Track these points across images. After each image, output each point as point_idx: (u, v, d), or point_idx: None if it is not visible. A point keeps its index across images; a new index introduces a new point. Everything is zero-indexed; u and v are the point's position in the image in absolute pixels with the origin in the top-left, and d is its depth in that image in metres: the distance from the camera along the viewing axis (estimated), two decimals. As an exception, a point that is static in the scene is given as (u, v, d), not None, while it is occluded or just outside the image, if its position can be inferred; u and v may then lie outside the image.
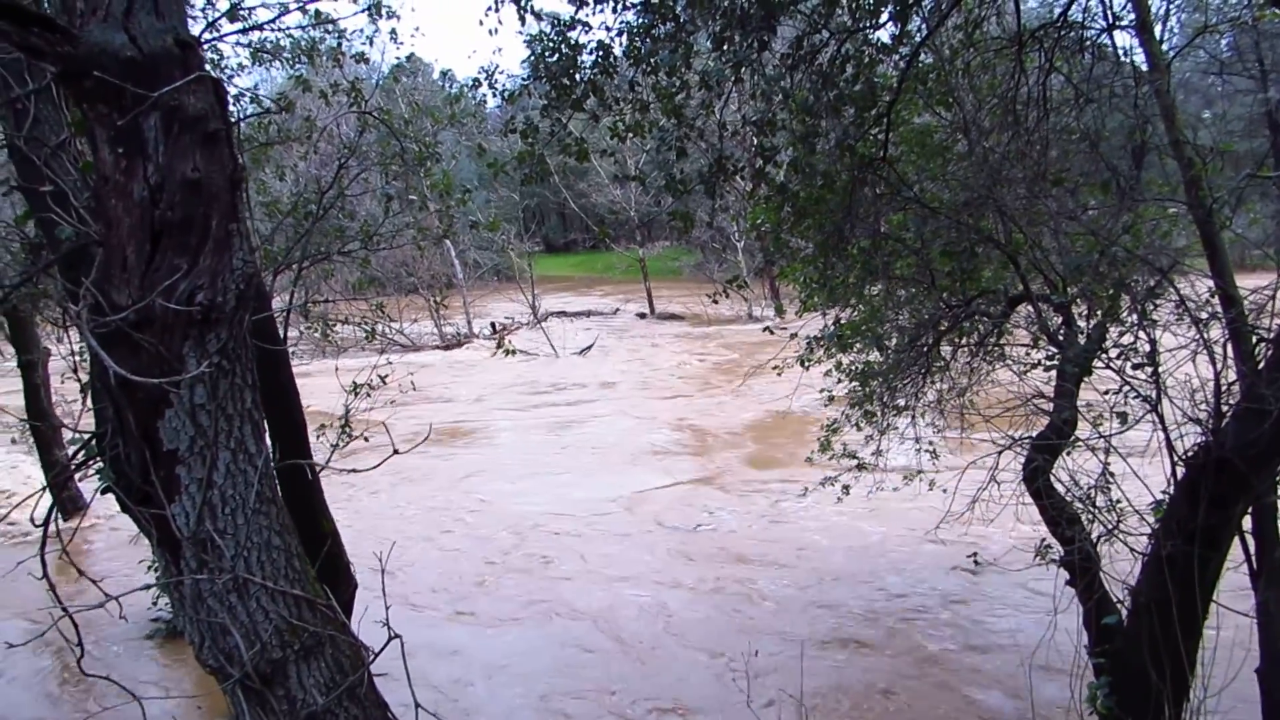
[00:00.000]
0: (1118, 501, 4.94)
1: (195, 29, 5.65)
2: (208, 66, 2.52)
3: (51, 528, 2.48)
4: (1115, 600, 4.94)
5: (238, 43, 6.67)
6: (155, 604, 8.15)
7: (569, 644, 7.96)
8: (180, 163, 2.26)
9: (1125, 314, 5.08)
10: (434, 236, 8.01)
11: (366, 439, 5.63)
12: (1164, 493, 4.47)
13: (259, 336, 4.51)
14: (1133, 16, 5.23)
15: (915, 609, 8.11)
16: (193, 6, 6.08)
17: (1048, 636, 4.76)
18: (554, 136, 5.84)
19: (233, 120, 2.55)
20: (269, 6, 6.31)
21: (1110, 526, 4.82)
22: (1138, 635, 4.47)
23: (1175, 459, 4.24)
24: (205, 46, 5.90)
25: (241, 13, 6.03)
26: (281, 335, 5.50)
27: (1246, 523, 4.32)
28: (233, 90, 6.80)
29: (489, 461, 15.24)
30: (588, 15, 5.43)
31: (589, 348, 28.23)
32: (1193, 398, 4.21)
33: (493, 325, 33.19)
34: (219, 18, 5.96)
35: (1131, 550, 4.67)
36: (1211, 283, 4.48)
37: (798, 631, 7.79)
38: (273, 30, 6.60)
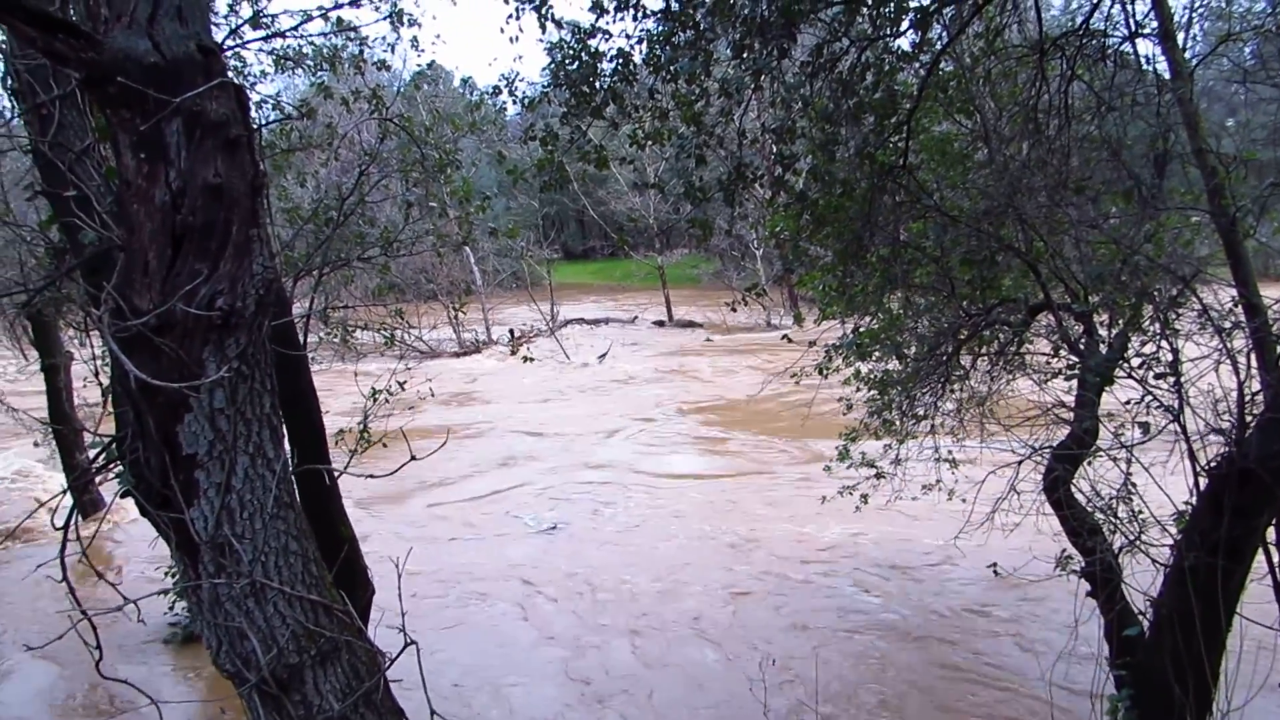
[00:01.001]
0: (1139, 512, 4.88)
1: (218, 36, 5.70)
2: (230, 73, 2.53)
3: (70, 531, 2.49)
4: (1137, 612, 4.88)
5: (260, 50, 6.71)
6: (172, 608, 8.19)
7: (496, 633, 8.21)
8: (202, 168, 2.27)
9: (1147, 323, 5.03)
10: (453, 243, 8.04)
11: (385, 445, 5.64)
12: (1186, 504, 4.41)
13: (279, 342, 4.53)
14: (1155, 24, 5.19)
15: (928, 618, 8.05)
16: (216, 14, 6.13)
17: (1068, 648, 4.70)
18: (573, 144, 5.85)
19: (254, 126, 2.56)
20: (292, 14, 6.37)
21: (1132, 538, 4.76)
22: (1160, 647, 4.41)
23: (1198, 470, 4.19)
24: (228, 53, 5.95)
25: (264, 20, 6.08)
26: (301, 341, 5.52)
27: (1270, 534, 4.25)
28: (255, 97, 6.87)
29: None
30: (608, 23, 5.44)
31: (604, 355, 28.24)
32: (1215, 408, 4.16)
33: (511, 332, 33.28)
34: (242, 25, 6.01)
35: (1154, 562, 4.61)
36: (1235, 292, 4.42)
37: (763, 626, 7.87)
38: (295, 37, 6.65)
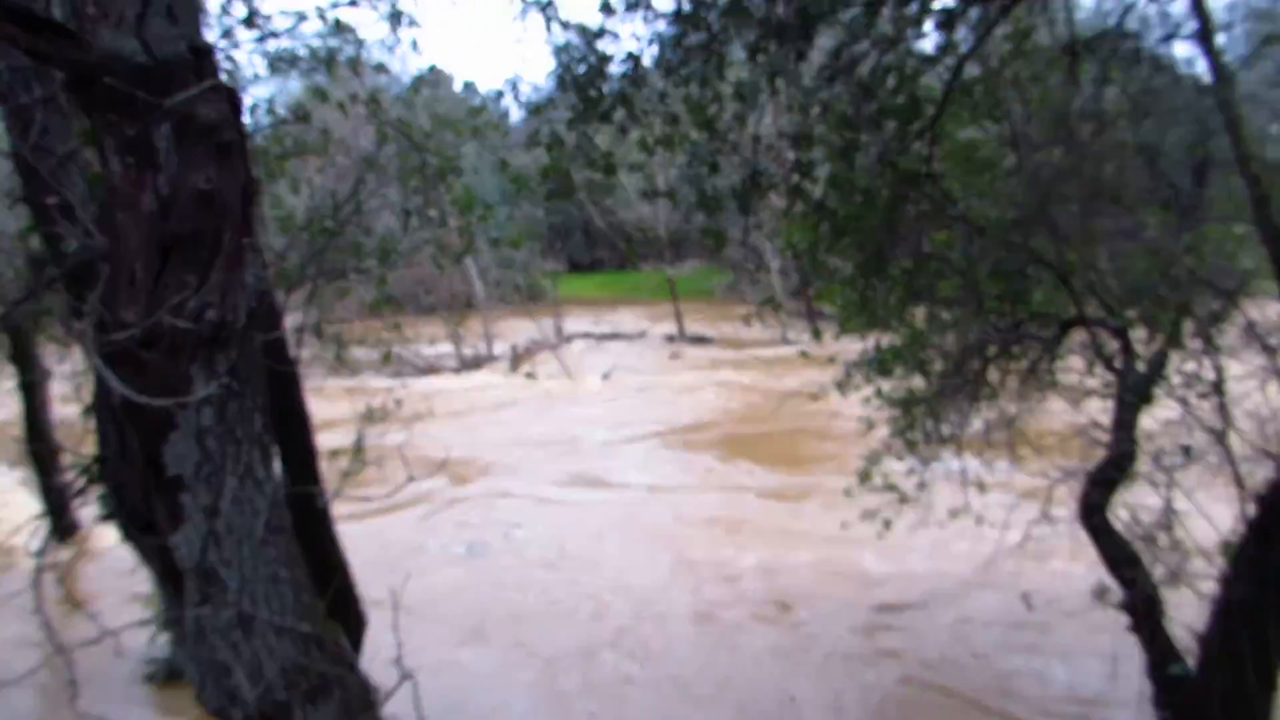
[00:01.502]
0: (1182, 541, 4.82)
1: (210, 36, 5.73)
2: (223, 75, 2.53)
3: (46, 558, 2.47)
4: (1182, 649, 4.82)
5: (254, 51, 6.74)
6: (154, 642, 8.11)
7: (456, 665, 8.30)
8: (192, 174, 2.27)
9: (1188, 339, 4.99)
10: (454, 254, 8.04)
11: (380, 467, 5.64)
12: (1233, 532, 4.36)
13: (270, 356, 4.52)
14: (1193, 25, 5.17)
15: (949, 652, 7.96)
16: (208, 13, 6.16)
17: (1108, 688, 4.64)
18: (580, 150, 5.85)
19: (247, 131, 2.56)
20: (287, 14, 6.39)
21: (1174, 568, 4.70)
22: (1208, 687, 4.35)
23: (1245, 495, 4.14)
24: (220, 54, 5.97)
25: (258, 20, 6.11)
26: (293, 356, 5.52)
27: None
28: (248, 100, 6.89)
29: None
30: (617, 24, 5.45)
31: (609, 373, 28.03)
32: (1263, 429, 4.12)
33: (513, 348, 33.28)
34: (235, 25, 6.03)
35: (1198, 594, 4.55)
36: (1282, 306, 4.39)
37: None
38: (290, 39, 6.68)
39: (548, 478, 15.19)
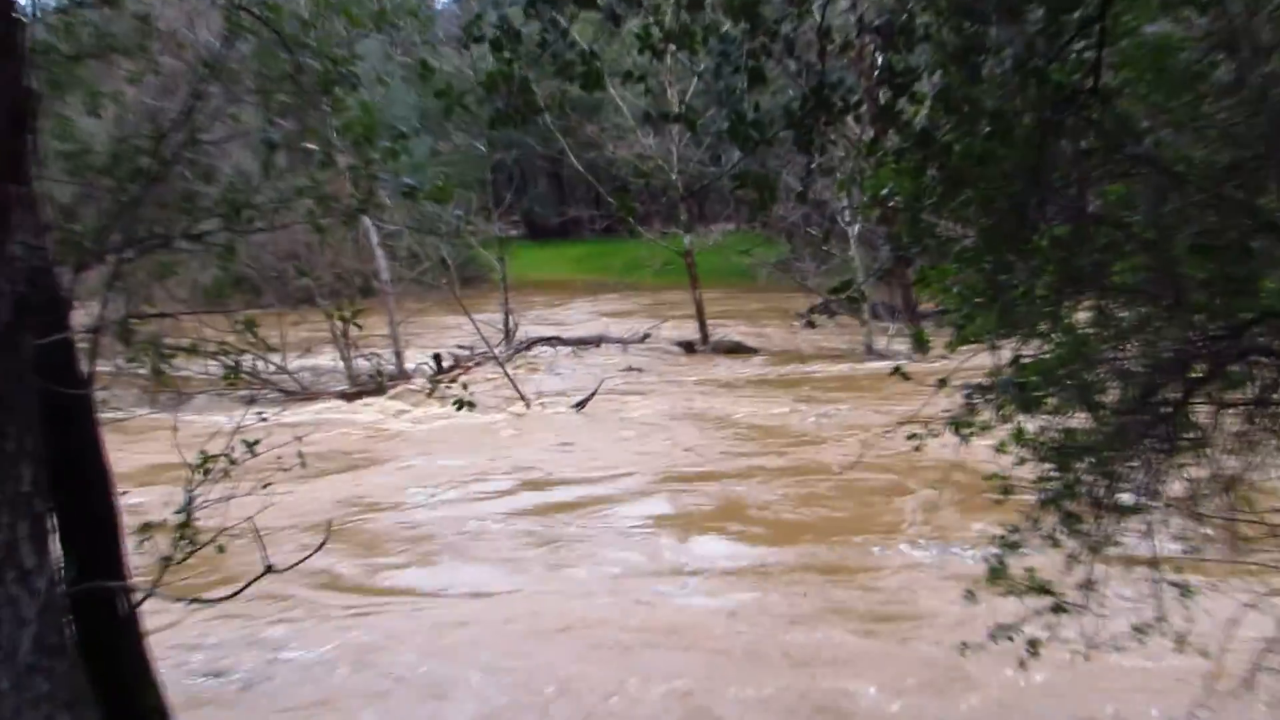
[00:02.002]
0: None
1: None
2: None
3: None
4: None
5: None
6: None
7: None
8: (-74, 85, 2.28)
9: None
10: (344, 210, 8.07)
11: (221, 549, 5.65)
12: None
13: (49, 373, 4.54)
14: None
15: None
16: None
17: None
18: (546, 49, 5.87)
19: (21, 19, 2.57)
20: None
21: None
22: None
23: None
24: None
25: None
26: (87, 371, 5.53)
27: None
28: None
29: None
30: None
31: (585, 401, 27.89)
32: None
33: (436, 359, 33.35)
34: None
35: None
36: None
37: None
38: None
39: (370, 566, 15.30)
